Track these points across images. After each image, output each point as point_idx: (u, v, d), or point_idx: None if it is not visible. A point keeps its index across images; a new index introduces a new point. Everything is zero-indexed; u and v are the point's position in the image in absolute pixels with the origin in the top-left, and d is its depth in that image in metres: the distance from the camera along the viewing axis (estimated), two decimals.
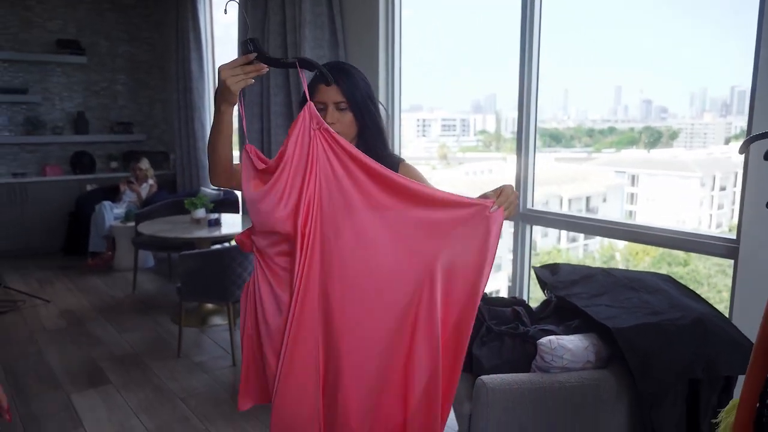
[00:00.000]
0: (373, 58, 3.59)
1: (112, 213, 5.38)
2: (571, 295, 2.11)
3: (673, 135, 7.24)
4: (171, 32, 5.83)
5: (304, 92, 1.37)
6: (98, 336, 3.70)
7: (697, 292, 2.06)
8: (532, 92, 2.83)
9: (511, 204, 1.33)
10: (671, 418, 1.75)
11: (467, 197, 1.33)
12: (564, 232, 9.09)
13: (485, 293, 2.38)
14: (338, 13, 3.64)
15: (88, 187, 5.96)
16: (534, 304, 2.47)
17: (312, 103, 1.34)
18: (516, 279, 2.99)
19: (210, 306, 4.00)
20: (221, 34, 5.83)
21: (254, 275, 1.47)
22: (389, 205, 1.32)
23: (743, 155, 1.96)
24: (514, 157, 2.93)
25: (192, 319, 3.88)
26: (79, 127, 6.09)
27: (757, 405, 0.86)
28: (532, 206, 2.90)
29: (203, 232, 3.87)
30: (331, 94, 1.47)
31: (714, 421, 1.20)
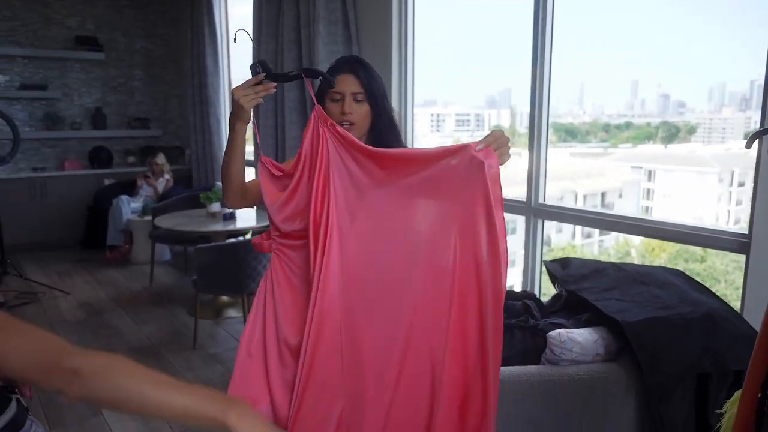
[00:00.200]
0: (386, 53, 3.61)
1: (129, 207, 5.47)
2: (581, 289, 2.12)
3: (691, 130, 7.16)
4: (186, 28, 5.89)
5: (313, 98, 1.46)
6: (116, 327, 3.78)
7: (714, 288, 2.06)
8: (545, 87, 2.84)
9: (501, 145, 1.26)
10: (680, 412, 1.75)
11: (454, 145, 1.31)
12: (579, 228, 9.04)
13: None
14: (352, 9, 3.67)
15: (106, 182, 6.06)
16: (546, 299, 2.49)
17: (319, 106, 1.42)
18: (527, 273, 3.00)
19: (225, 298, 4.07)
20: (236, 28, 5.87)
21: (268, 276, 1.51)
22: (392, 179, 1.35)
23: (757, 151, 1.96)
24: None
25: (207, 312, 3.95)
26: (97, 122, 6.19)
27: (759, 395, 0.88)
28: (544, 201, 2.91)
29: (218, 226, 3.93)
30: (349, 84, 1.50)
31: (718, 411, 1.21)
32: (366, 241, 1.39)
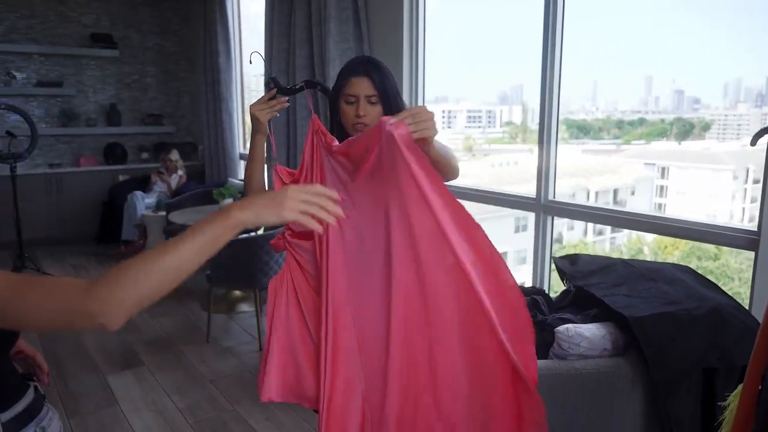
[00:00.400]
0: (397, 50, 3.63)
1: (143, 202, 5.55)
2: (589, 285, 2.14)
3: (706, 126, 7.09)
4: (199, 25, 5.95)
5: (311, 108, 1.59)
6: (132, 320, 3.82)
7: (728, 286, 2.07)
8: (555, 83, 2.84)
9: (419, 120, 1.20)
10: (686, 407, 1.77)
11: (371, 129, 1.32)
12: (590, 225, 9.01)
13: None
14: (363, 7, 3.69)
15: (121, 178, 6.14)
16: (555, 295, 2.51)
17: (316, 116, 1.51)
18: (537, 270, 3.01)
19: (238, 293, 4.12)
20: (249, 25, 5.93)
21: (286, 269, 1.60)
22: (355, 172, 1.42)
23: (766, 148, 1.96)
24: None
25: (220, 306, 4.01)
26: (111, 118, 6.27)
27: (759, 387, 0.90)
28: (554, 197, 2.92)
29: None
30: (363, 87, 1.53)
31: (722, 404, 1.23)
32: (356, 233, 1.45)
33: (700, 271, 2.20)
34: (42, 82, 5.87)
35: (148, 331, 3.66)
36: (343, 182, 1.46)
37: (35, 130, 4.52)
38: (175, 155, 5.75)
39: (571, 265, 2.36)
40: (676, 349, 1.76)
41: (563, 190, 2.95)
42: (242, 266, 3.37)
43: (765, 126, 1.17)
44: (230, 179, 5.57)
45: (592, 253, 2.53)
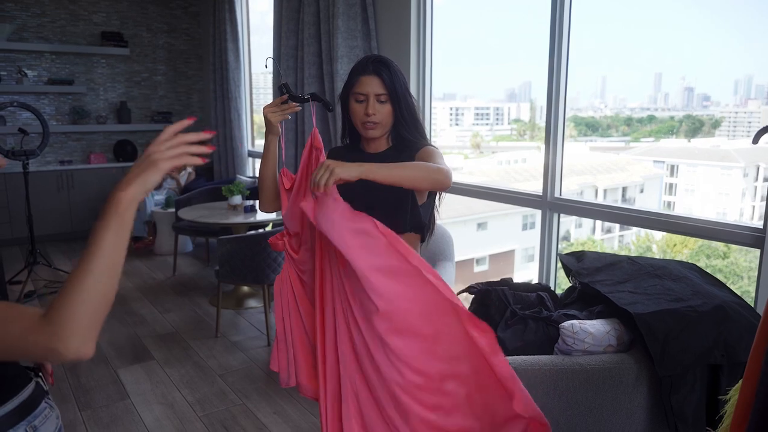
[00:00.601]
0: (405, 47, 3.65)
1: (153, 199, 5.60)
2: (595, 282, 2.15)
3: (716, 124, 7.06)
4: (208, 23, 5.99)
5: (313, 121, 1.66)
6: (142, 315, 3.89)
7: (737, 285, 2.08)
8: (562, 80, 2.85)
9: (318, 177, 1.24)
10: (690, 403, 1.78)
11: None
12: (599, 223, 8.99)
13: (510, 279, 2.44)
14: (371, 4, 3.71)
15: None
16: (561, 292, 2.52)
17: (316, 131, 1.58)
18: (543, 267, 3.02)
19: (246, 289, 4.16)
20: (257, 23, 5.96)
21: (285, 269, 1.69)
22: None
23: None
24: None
25: (229, 301, 4.05)
26: (121, 116, 6.33)
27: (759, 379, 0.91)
28: (560, 195, 2.93)
29: (240, 218, 4.02)
30: (373, 85, 1.55)
31: (722, 398, 1.24)
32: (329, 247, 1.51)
33: (708, 270, 2.20)
34: (53, 80, 5.93)
35: (158, 326, 3.71)
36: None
37: (47, 128, 4.57)
38: None
39: (576, 262, 2.37)
40: (681, 345, 1.77)
41: (571, 188, 2.96)
42: (250, 262, 3.40)
43: (766, 125, 1.18)
44: (239, 176, 5.61)
45: (599, 251, 2.54)
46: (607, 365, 1.87)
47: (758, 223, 2.15)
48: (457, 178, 3.50)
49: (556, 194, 2.93)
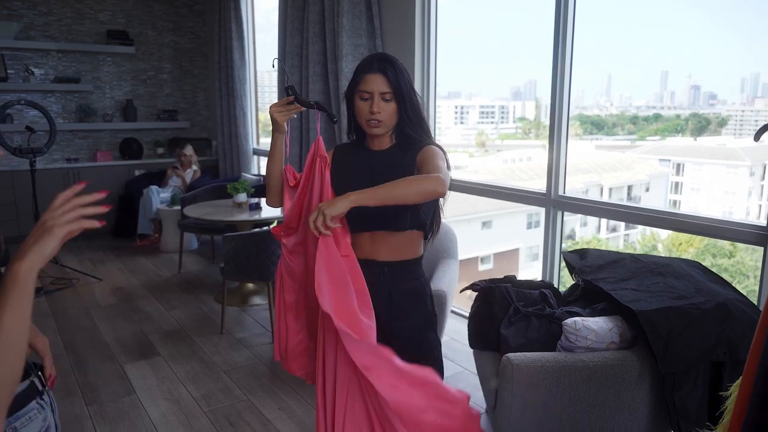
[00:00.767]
0: (409, 46, 3.66)
1: (158, 197, 5.63)
2: (598, 279, 2.16)
3: (722, 122, 7.03)
4: (214, 22, 6.01)
5: (318, 130, 1.67)
6: (147, 312, 3.92)
7: (743, 284, 2.08)
8: (566, 78, 2.85)
9: (316, 217, 1.36)
10: (693, 399, 1.79)
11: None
12: (604, 222, 8.96)
13: (513, 276, 2.45)
14: (375, 2, 3.72)
15: (136, 172, 6.23)
16: (564, 289, 2.53)
17: (321, 139, 1.61)
18: (546, 264, 3.03)
19: (250, 286, 4.18)
20: (262, 21, 5.99)
21: (282, 259, 1.75)
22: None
23: None
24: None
25: (234, 298, 4.07)
26: (127, 114, 6.36)
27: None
28: (564, 193, 2.93)
29: (245, 216, 4.04)
30: (378, 84, 1.56)
31: (722, 394, 1.25)
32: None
33: (714, 269, 2.21)
34: (59, 78, 5.96)
35: (164, 322, 3.73)
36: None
37: (54, 126, 4.61)
38: (189, 150, 5.83)
39: (580, 260, 2.38)
40: (684, 342, 1.78)
41: (576, 186, 2.97)
42: (255, 260, 3.42)
43: (767, 123, 1.18)
44: (244, 174, 5.63)
45: (603, 249, 2.55)
46: (609, 362, 1.88)
47: (763, 222, 2.15)
48: (461, 176, 3.51)
49: (560, 192, 2.94)
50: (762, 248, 2.12)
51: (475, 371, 2.47)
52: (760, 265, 2.16)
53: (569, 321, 1.97)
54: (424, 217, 1.63)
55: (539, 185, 3.07)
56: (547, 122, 2.96)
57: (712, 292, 1.91)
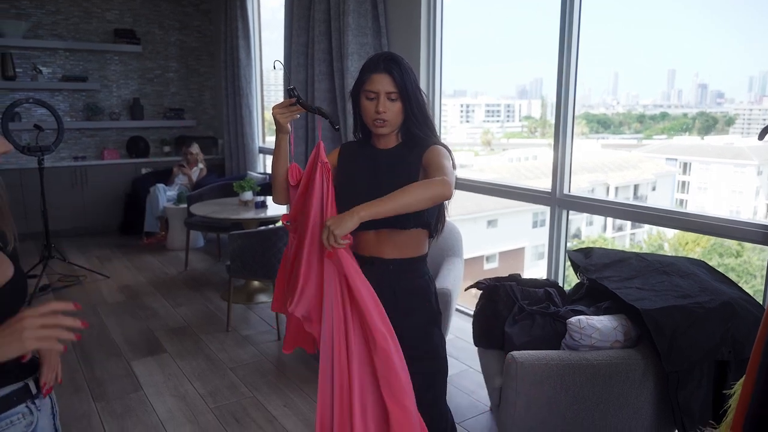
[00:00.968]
0: (415, 44, 3.66)
1: (165, 195, 5.66)
2: (602, 278, 2.16)
3: (730, 121, 6.99)
4: (220, 21, 6.03)
5: (318, 136, 1.70)
6: (154, 309, 3.95)
7: (750, 284, 2.08)
8: (571, 77, 2.85)
9: (329, 237, 1.36)
10: (697, 398, 1.79)
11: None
12: (610, 221, 8.94)
13: (518, 275, 2.45)
14: (381, 1, 3.72)
15: (143, 170, 6.27)
16: (569, 288, 2.53)
17: (322, 144, 1.62)
18: (551, 263, 3.03)
19: (256, 284, 4.20)
20: (268, 19, 6.00)
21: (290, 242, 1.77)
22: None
23: None
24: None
25: (240, 296, 4.09)
26: (134, 112, 6.39)
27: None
28: (569, 191, 2.93)
29: (251, 214, 4.06)
30: (384, 84, 1.57)
31: (726, 392, 1.25)
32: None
33: (721, 269, 2.20)
34: (67, 76, 6.00)
35: (170, 319, 3.76)
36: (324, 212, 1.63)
37: (61, 124, 4.64)
38: (195, 149, 5.86)
39: (584, 258, 2.38)
40: (688, 341, 1.78)
41: (582, 185, 2.97)
42: (261, 258, 3.44)
43: None
44: (249, 172, 5.65)
45: (608, 248, 2.54)
46: (614, 361, 1.88)
47: (764, 219, 2.14)
48: (467, 175, 3.51)
49: (566, 191, 2.94)
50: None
51: (480, 369, 2.48)
52: (766, 264, 2.15)
53: (574, 319, 1.97)
54: (428, 217, 1.64)
55: (545, 184, 3.07)
56: (553, 121, 2.96)
57: (717, 291, 1.91)
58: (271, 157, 1.74)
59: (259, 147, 5.95)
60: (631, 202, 2.91)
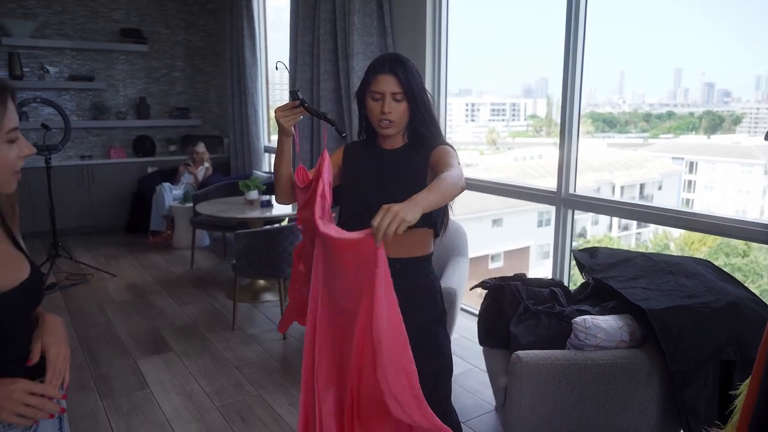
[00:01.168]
0: (420, 44, 3.66)
1: (171, 194, 5.68)
2: (608, 278, 2.16)
3: (737, 120, 6.95)
4: (226, 20, 6.05)
5: (323, 144, 1.68)
6: (160, 308, 3.97)
7: (757, 283, 2.08)
8: (577, 75, 2.85)
9: (392, 219, 1.22)
10: (702, 398, 1.79)
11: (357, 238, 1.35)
12: (615, 220, 8.91)
13: (524, 274, 2.45)
14: (386, 1, 3.73)
15: (149, 169, 6.29)
16: (575, 288, 2.52)
17: (326, 153, 1.56)
18: (557, 262, 3.03)
19: (262, 283, 4.22)
20: (273, 19, 6.01)
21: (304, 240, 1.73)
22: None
23: None
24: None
25: (245, 295, 4.10)
26: (141, 112, 6.42)
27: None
28: (575, 191, 2.93)
29: (256, 213, 4.07)
30: (390, 84, 1.58)
31: (732, 393, 1.25)
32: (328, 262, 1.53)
33: (727, 269, 2.20)
34: (74, 76, 6.03)
35: (176, 318, 3.78)
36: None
37: (68, 123, 4.66)
38: (201, 148, 5.88)
39: (590, 258, 2.38)
40: (694, 341, 1.78)
41: (588, 185, 2.96)
42: (266, 257, 3.45)
43: None
44: (255, 171, 5.67)
45: (614, 247, 2.54)
46: (619, 360, 1.88)
47: None
48: (472, 174, 3.51)
49: (571, 190, 2.93)
50: None
51: (485, 369, 2.48)
52: None
53: (579, 319, 1.97)
54: (435, 216, 1.64)
55: (550, 183, 3.07)
56: (559, 120, 2.95)
57: (722, 291, 1.91)
58: (277, 166, 1.70)
59: (265, 146, 5.96)
60: (637, 201, 2.90)
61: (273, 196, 4.39)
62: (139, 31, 6.29)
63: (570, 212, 2.97)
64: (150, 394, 2.80)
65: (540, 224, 9.96)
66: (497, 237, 9.86)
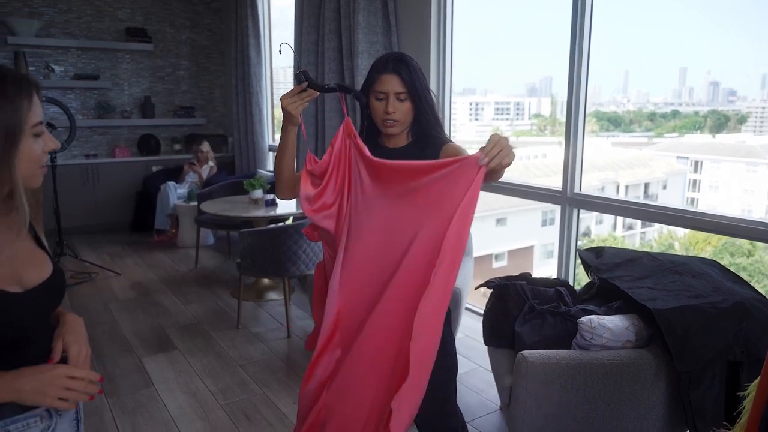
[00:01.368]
0: (425, 43, 3.66)
1: (175, 193, 5.69)
2: (614, 278, 2.15)
3: (742, 119, 6.92)
4: (230, 19, 6.06)
5: (344, 111, 1.57)
6: (165, 306, 3.97)
7: (762, 283, 2.07)
8: (582, 75, 2.84)
9: (502, 148, 1.24)
10: (709, 398, 1.78)
11: (459, 157, 1.33)
12: (620, 220, 8.89)
13: (528, 274, 2.45)
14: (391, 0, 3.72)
15: (154, 168, 6.31)
16: (580, 288, 2.52)
17: (349, 118, 1.53)
18: (562, 262, 3.02)
19: (266, 281, 4.22)
20: (278, 18, 6.01)
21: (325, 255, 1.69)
22: (393, 190, 1.44)
23: None
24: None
25: (249, 294, 4.11)
26: (145, 111, 6.43)
27: None
28: (580, 190, 2.92)
29: (261, 212, 4.08)
30: (393, 84, 1.58)
31: (740, 394, 1.25)
32: (369, 236, 1.49)
33: (732, 268, 2.19)
34: (79, 75, 6.05)
35: (181, 317, 3.78)
36: (368, 201, 1.51)
37: (74, 122, 4.68)
38: (206, 146, 5.88)
39: (595, 258, 2.37)
40: (700, 341, 1.77)
41: (593, 184, 2.95)
42: (271, 255, 3.45)
43: None
44: (259, 170, 5.67)
45: (619, 247, 2.53)
46: (625, 360, 1.87)
47: None
48: None
49: (576, 190, 2.92)
50: None
51: (490, 368, 2.48)
52: None
53: (585, 319, 1.96)
54: None
55: (555, 182, 3.06)
56: (563, 119, 2.95)
57: (729, 291, 1.90)
58: (280, 158, 1.65)
59: (269, 145, 5.97)
60: (642, 200, 2.89)
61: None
62: (144, 30, 6.30)
63: (576, 211, 2.96)
64: (155, 392, 2.80)
65: (544, 223, 9.94)
66: (501, 236, 9.85)
